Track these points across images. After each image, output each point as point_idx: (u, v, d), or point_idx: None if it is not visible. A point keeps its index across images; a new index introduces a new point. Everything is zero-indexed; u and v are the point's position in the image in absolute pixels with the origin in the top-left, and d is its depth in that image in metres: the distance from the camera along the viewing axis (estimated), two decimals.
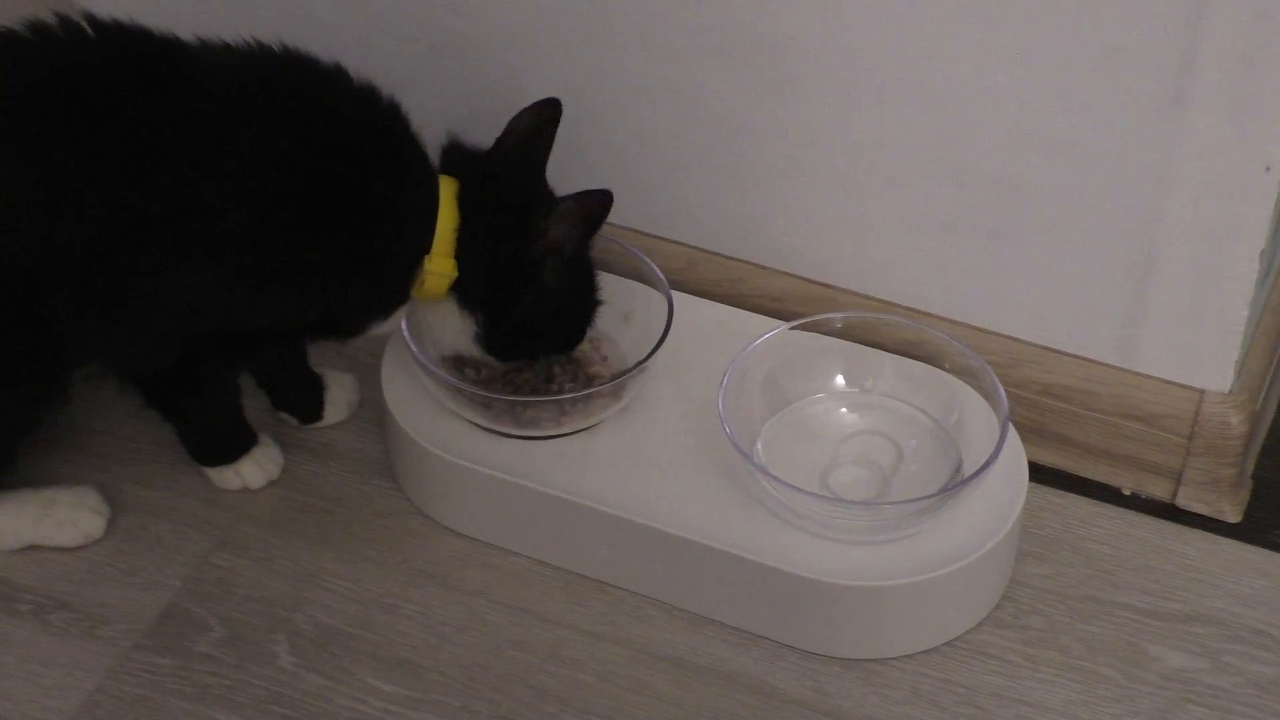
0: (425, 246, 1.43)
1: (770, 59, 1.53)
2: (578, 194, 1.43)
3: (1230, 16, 1.36)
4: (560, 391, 1.54)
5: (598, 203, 1.43)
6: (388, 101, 1.43)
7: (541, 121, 1.47)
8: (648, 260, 1.58)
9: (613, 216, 1.43)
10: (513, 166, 1.47)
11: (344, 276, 1.42)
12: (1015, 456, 1.49)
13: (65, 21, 1.38)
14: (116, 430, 1.62)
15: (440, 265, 1.43)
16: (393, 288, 1.45)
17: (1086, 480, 1.60)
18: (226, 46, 1.41)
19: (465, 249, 1.43)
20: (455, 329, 1.48)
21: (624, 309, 1.58)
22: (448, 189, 1.44)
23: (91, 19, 1.39)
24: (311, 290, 1.42)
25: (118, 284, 1.38)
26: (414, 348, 1.51)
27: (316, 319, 1.46)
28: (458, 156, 1.47)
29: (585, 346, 1.56)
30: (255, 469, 1.57)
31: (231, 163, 1.37)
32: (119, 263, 1.37)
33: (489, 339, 1.48)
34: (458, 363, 1.55)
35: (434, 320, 1.50)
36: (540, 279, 1.45)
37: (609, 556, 1.49)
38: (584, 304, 1.51)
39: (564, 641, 1.47)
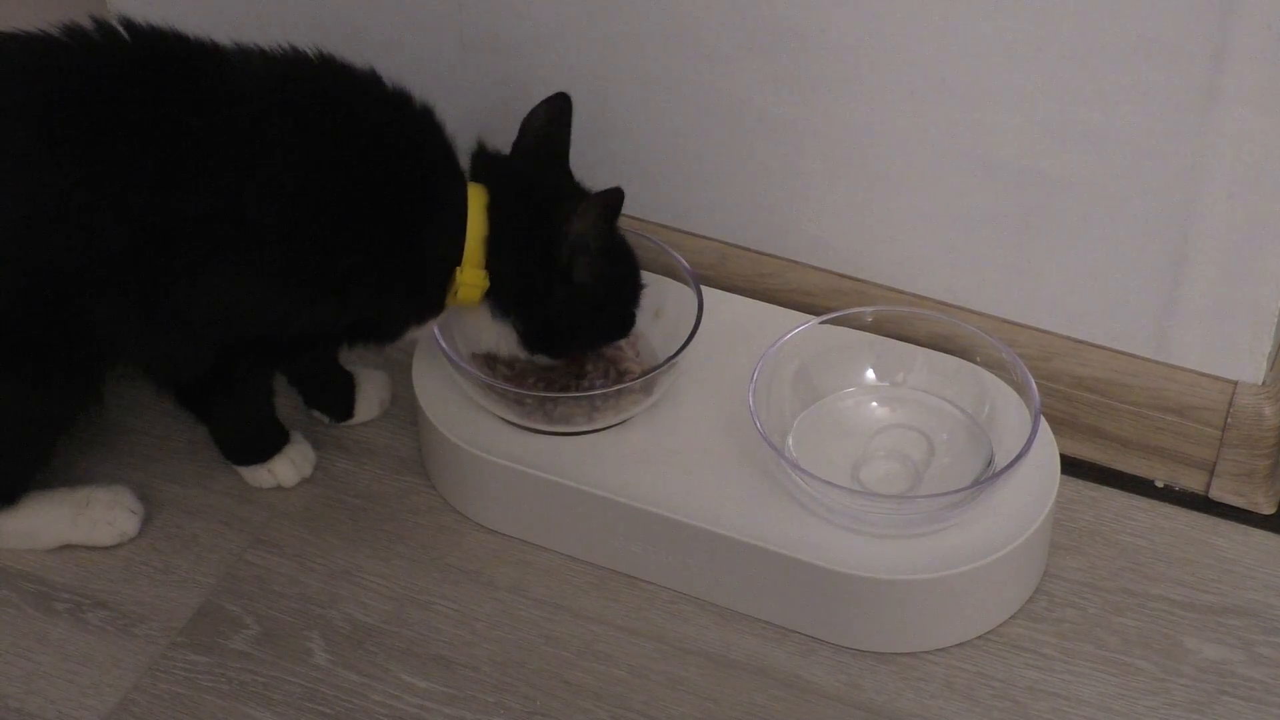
0: (456, 258, 1.43)
1: (802, 54, 1.53)
2: (593, 194, 1.44)
3: (1263, 9, 1.36)
4: (592, 388, 1.54)
5: (610, 195, 1.43)
6: (420, 107, 1.43)
7: (555, 117, 1.47)
8: (678, 256, 1.58)
9: (644, 212, 1.43)
10: (535, 169, 1.47)
11: (377, 283, 1.43)
12: (1047, 449, 1.49)
13: (102, 26, 1.38)
14: (151, 429, 1.63)
15: (471, 276, 1.44)
16: (427, 296, 1.45)
17: (1120, 473, 1.60)
18: (262, 52, 1.41)
19: (494, 259, 1.44)
20: (494, 333, 1.49)
21: (655, 305, 1.57)
22: (477, 199, 1.44)
23: (128, 23, 1.39)
24: (345, 296, 1.43)
25: (155, 288, 1.39)
26: (445, 345, 1.51)
27: (352, 324, 1.47)
28: (485, 163, 1.47)
29: (619, 341, 1.56)
30: (288, 467, 1.57)
31: (266, 168, 1.37)
32: (155, 267, 1.38)
33: (531, 342, 1.48)
34: (489, 359, 1.55)
35: (473, 324, 1.50)
36: (569, 280, 1.45)
37: (641, 552, 1.49)
38: (626, 290, 1.51)
39: (597, 637, 1.47)
